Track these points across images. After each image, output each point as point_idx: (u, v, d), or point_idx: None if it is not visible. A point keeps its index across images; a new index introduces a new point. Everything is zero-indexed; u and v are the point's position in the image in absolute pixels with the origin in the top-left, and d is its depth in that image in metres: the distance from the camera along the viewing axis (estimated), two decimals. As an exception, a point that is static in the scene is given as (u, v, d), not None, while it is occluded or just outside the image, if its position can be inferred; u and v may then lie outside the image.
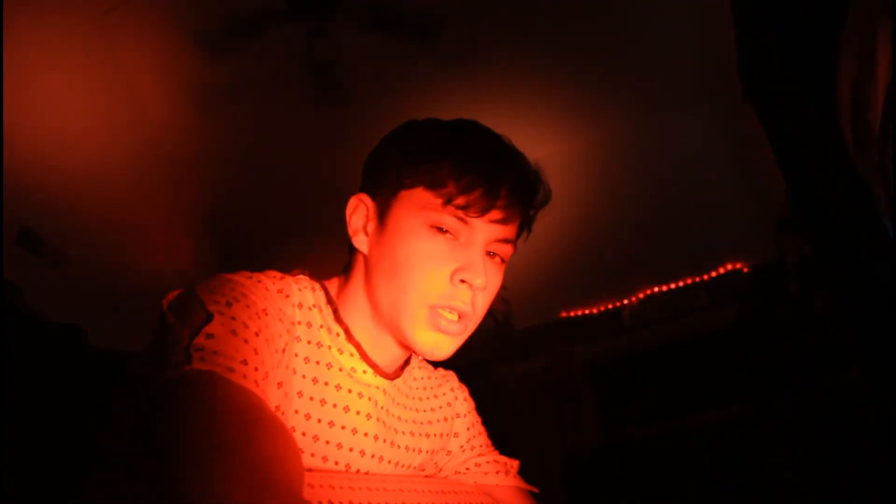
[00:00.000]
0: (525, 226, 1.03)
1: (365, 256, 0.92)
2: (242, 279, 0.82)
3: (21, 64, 3.36)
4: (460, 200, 0.84)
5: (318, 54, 3.42)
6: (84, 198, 3.86)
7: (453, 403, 1.13)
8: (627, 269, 3.92)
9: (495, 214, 0.89)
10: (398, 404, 0.97)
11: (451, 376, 1.19)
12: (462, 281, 0.85)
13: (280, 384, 0.80)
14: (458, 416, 1.13)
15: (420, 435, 1.01)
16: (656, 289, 3.81)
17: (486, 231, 0.89)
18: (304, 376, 0.83)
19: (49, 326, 2.65)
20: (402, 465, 0.96)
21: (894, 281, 1.14)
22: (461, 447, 1.11)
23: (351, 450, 0.86)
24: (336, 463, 0.85)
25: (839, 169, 1.25)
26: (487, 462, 1.15)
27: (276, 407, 0.79)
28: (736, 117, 3.93)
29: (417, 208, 0.86)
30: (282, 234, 5.21)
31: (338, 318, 0.90)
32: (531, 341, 3.84)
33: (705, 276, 3.72)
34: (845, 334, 1.66)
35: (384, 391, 0.93)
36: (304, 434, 0.81)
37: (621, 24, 3.96)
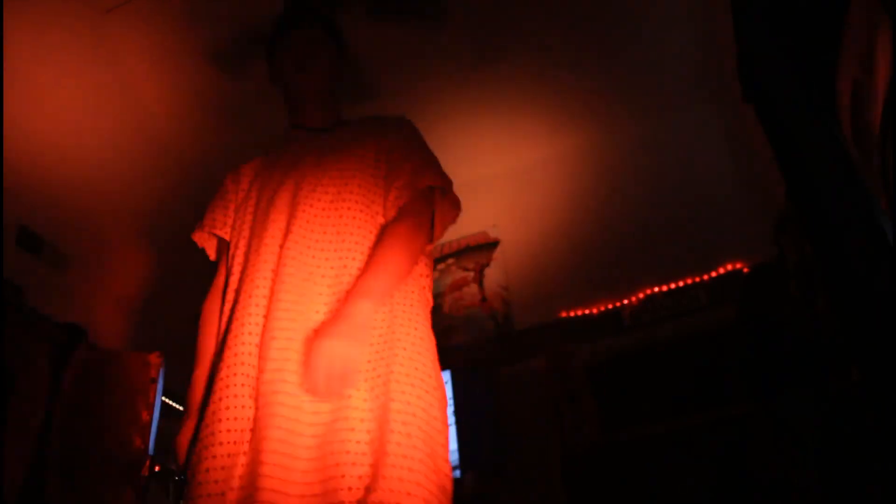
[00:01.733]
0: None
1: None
2: None
3: (21, 64, 3.36)
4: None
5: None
6: (84, 198, 3.85)
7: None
8: (627, 270, 3.92)
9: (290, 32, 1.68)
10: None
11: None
12: None
13: None
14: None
15: None
16: (656, 289, 3.80)
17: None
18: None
19: (49, 326, 2.65)
20: None
21: (894, 281, 1.14)
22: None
23: None
24: None
25: (839, 169, 1.25)
26: None
27: None
28: (736, 117, 3.93)
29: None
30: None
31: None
32: (531, 341, 3.84)
33: (705, 276, 3.72)
34: (845, 334, 1.66)
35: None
36: None
37: (621, 24, 3.96)
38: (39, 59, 3.47)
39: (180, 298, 4.69)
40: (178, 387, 4.40)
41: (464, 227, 4.57)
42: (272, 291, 1.31)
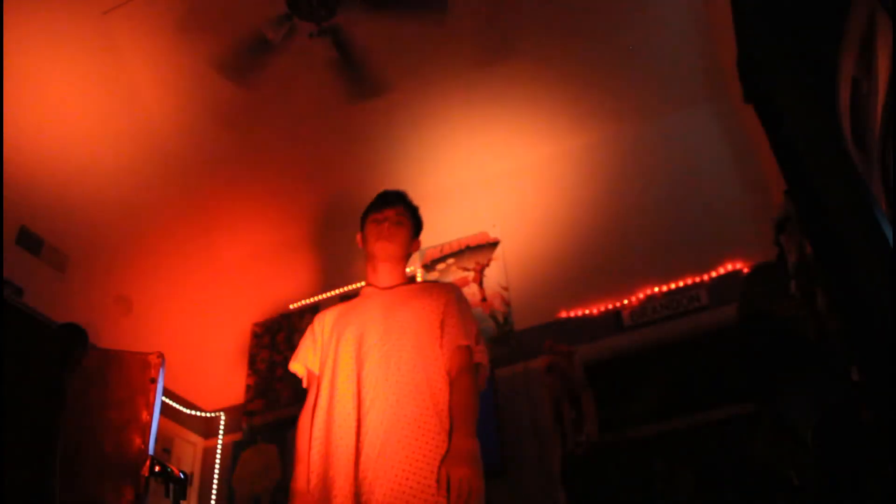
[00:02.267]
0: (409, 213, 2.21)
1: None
2: None
3: (21, 64, 3.36)
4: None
5: (320, 54, 3.42)
6: (84, 198, 3.86)
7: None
8: (627, 269, 3.92)
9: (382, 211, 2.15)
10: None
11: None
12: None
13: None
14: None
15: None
16: (656, 289, 3.80)
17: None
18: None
19: (49, 326, 2.65)
20: None
21: (893, 281, 1.14)
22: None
23: None
24: None
25: (839, 169, 1.25)
26: None
27: None
28: (736, 117, 3.93)
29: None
30: (277, 229, 5.21)
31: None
32: (531, 341, 3.84)
33: (705, 276, 3.72)
34: (845, 334, 1.66)
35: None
36: None
37: (621, 26, 3.97)
38: (40, 61, 3.47)
39: (180, 298, 4.71)
40: (179, 387, 4.41)
41: (464, 227, 4.57)
42: (358, 389, 1.86)
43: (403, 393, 1.82)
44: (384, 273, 2.11)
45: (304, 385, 2.08)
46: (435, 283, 2.19)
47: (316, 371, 2.00)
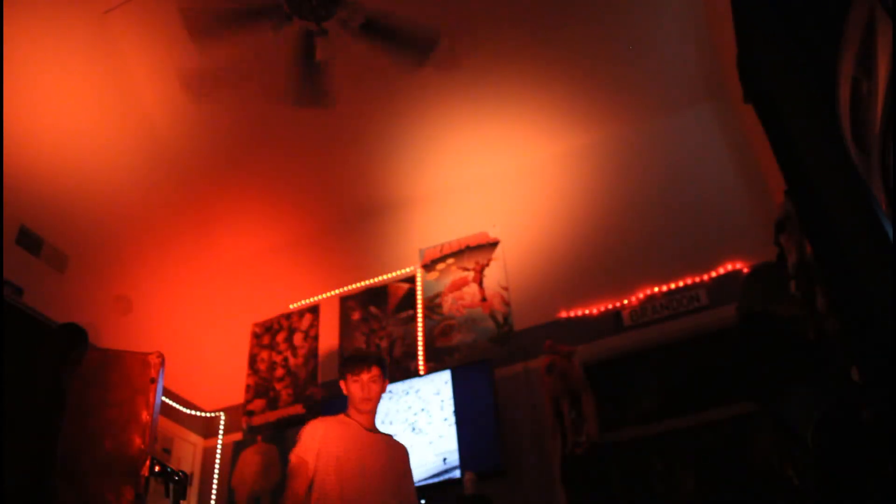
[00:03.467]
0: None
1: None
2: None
3: (21, 64, 3.36)
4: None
5: (317, 53, 3.41)
6: (84, 198, 3.86)
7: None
8: (627, 269, 3.92)
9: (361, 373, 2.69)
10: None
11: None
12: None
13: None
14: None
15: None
16: (656, 289, 3.81)
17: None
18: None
19: (49, 326, 2.65)
20: None
21: (893, 281, 1.14)
22: None
23: None
24: None
25: (839, 169, 1.25)
26: None
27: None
28: (736, 117, 3.93)
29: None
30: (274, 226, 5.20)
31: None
32: (531, 341, 3.84)
33: (705, 276, 3.72)
34: (845, 334, 1.66)
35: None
36: None
37: (621, 25, 3.97)
38: (39, 61, 3.47)
39: (180, 298, 4.71)
40: (179, 387, 4.41)
41: (464, 227, 4.57)
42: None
43: None
44: (366, 418, 2.70)
45: (291, 472, 2.49)
46: (396, 441, 2.85)
47: (311, 467, 2.51)
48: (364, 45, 3.54)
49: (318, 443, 2.56)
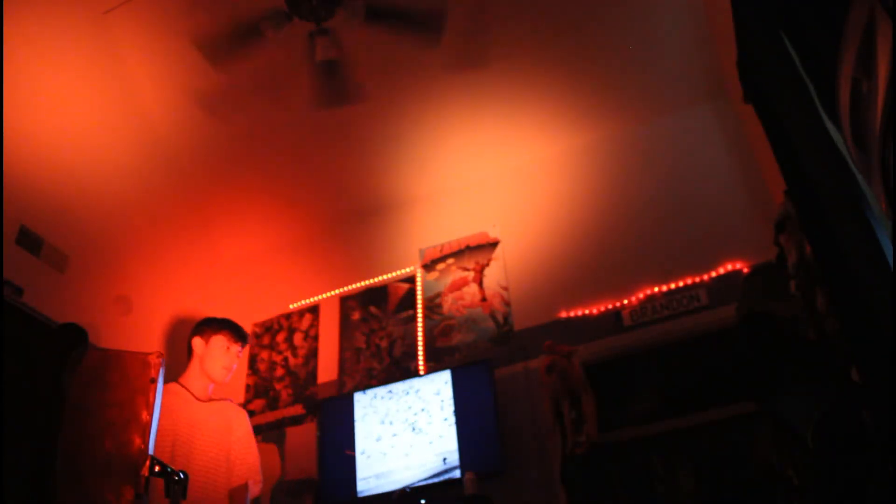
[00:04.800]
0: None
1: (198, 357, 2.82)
2: None
3: (21, 64, 3.36)
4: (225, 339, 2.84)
5: (319, 53, 3.41)
6: (84, 198, 3.86)
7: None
8: (627, 269, 3.92)
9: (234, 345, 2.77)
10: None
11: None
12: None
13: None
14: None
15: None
16: (656, 289, 3.80)
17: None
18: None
19: (49, 326, 2.65)
20: None
21: (893, 280, 1.14)
22: None
23: None
24: None
25: (839, 169, 1.25)
26: None
27: None
28: (736, 117, 3.93)
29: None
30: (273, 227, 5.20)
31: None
32: (531, 341, 3.84)
33: (705, 276, 3.72)
34: (845, 334, 1.66)
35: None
36: None
37: (621, 25, 3.97)
38: (39, 61, 3.47)
39: (180, 298, 4.71)
40: (178, 387, 4.40)
41: (464, 227, 4.57)
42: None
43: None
44: (202, 387, 2.54)
45: None
46: (234, 406, 2.72)
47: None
48: (367, 42, 3.54)
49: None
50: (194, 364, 2.48)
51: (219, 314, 4.95)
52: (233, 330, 2.61)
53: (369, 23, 3.39)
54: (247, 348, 3.03)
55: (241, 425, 2.63)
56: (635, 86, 4.24)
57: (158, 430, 2.26)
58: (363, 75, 3.98)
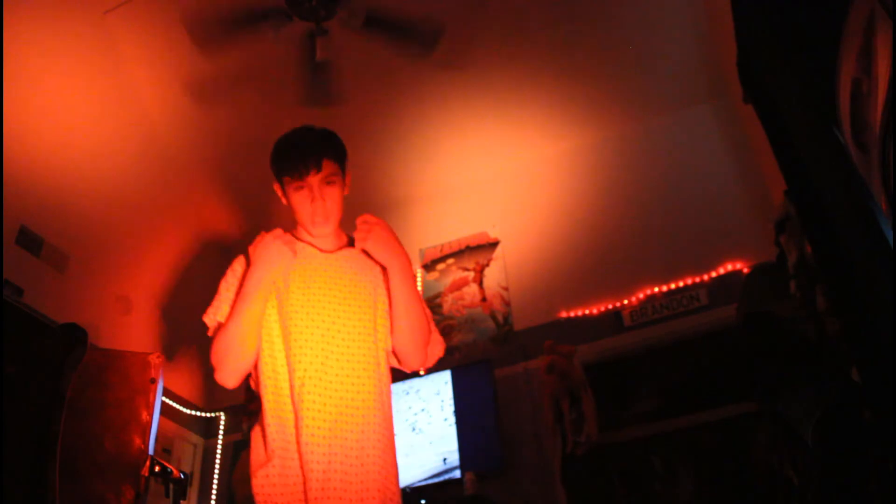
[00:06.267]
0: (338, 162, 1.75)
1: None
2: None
3: (21, 64, 3.36)
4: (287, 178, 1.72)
5: (317, 53, 3.41)
6: (84, 197, 3.86)
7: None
8: (627, 269, 3.92)
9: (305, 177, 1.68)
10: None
11: None
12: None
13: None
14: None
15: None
16: (656, 289, 3.81)
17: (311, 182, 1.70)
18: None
19: (49, 326, 2.65)
20: None
21: (893, 281, 1.14)
22: None
23: None
24: None
25: (839, 169, 1.25)
26: None
27: None
28: (736, 117, 3.93)
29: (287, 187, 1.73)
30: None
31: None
32: (531, 341, 3.84)
33: (705, 276, 3.72)
34: (845, 334, 1.66)
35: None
36: None
37: (621, 25, 3.96)
38: (39, 61, 3.47)
39: (180, 298, 4.70)
40: (179, 387, 4.41)
41: (464, 227, 4.57)
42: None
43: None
44: (324, 238, 1.78)
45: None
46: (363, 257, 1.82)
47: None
48: (368, 42, 3.54)
49: (276, 272, 1.64)
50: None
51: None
52: (291, 160, 1.69)
53: (368, 29, 3.40)
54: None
55: (378, 274, 1.79)
56: (635, 86, 4.24)
57: (285, 291, 1.63)
58: (362, 76, 3.98)
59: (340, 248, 1.78)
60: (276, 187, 1.77)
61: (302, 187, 1.68)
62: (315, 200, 1.68)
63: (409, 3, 3.46)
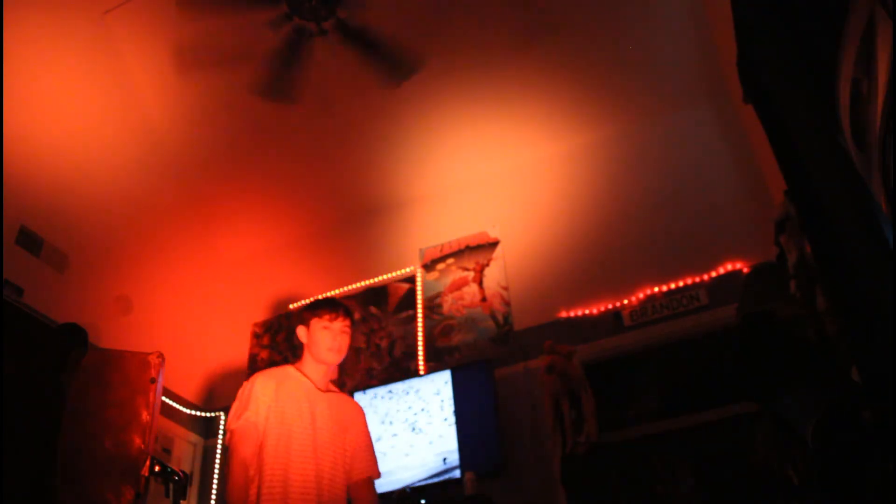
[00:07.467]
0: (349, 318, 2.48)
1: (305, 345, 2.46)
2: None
3: (21, 64, 3.36)
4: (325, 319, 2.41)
5: (312, 54, 3.42)
6: (84, 197, 3.86)
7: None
8: (627, 269, 3.92)
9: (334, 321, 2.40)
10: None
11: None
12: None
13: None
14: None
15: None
16: (656, 289, 3.81)
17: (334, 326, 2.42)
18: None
19: (49, 326, 2.65)
20: None
21: (893, 281, 1.14)
22: None
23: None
24: None
25: (839, 169, 1.25)
26: None
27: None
28: (736, 117, 3.93)
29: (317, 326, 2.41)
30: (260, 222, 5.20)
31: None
32: (531, 341, 3.84)
33: (705, 276, 3.72)
34: (845, 334, 1.66)
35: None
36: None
37: (621, 25, 3.97)
38: (39, 61, 3.47)
39: (180, 298, 4.71)
40: (179, 387, 4.41)
41: (464, 227, 4.57)
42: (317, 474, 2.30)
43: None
44: (322, 375, 2.40)
45: (237, 439, 2.22)
46: (351, 401, 2.55)
47: (261, 431, 2.23)
48: (349, 51, 3.54)
49: (270, 401, 2.24)
50: (306, 355, 2.38)
51: (219, 314, 4.98)
52: (328, 306, 2.41)
53: (349, 41, 3.42)
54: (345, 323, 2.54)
55: (361, 419, 2.46)
56: (635, 86, 4.24)
57: (279, 415, 2.22)
58: (362, 76, 3.98)
59: (329, 391, 2.42)
60: (300, 328, 2.41)
61: (328, 328, 2.37)
62: (336, 338, 2.38)
63: (409, 4, 3.47)
